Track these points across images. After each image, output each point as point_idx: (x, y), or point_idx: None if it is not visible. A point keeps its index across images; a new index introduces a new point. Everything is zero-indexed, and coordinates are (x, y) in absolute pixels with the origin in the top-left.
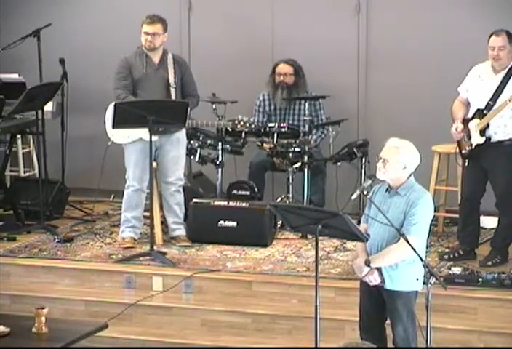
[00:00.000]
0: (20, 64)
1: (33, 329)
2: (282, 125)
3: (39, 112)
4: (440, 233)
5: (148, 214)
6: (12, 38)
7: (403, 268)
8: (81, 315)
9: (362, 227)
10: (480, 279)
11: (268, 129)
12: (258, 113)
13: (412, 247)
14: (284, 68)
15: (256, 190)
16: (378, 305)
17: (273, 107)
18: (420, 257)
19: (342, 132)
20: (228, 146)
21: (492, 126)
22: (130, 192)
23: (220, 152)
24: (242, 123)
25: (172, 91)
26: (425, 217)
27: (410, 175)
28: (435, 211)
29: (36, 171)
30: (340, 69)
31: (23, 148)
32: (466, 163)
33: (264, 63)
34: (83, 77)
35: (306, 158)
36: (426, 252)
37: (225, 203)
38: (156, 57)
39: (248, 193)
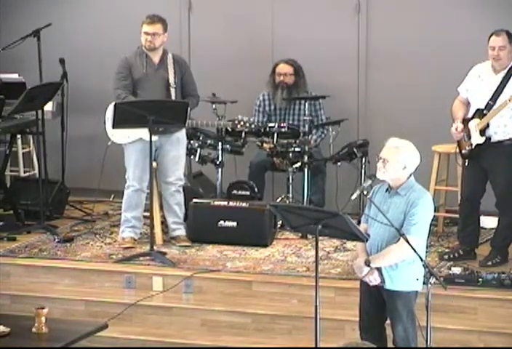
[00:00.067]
0: (20, 64)
1: (33, 329)
2: (282, 125)
3: (39, 112)
4: (440, 233)
5: (148, 214)
6: (12, 38)
7: (403, 268)
8: (81, 315)
9: (362, 227)
10: (480, 279)
11: (267, 129)
12: (258, 113)
13: (412, 247)
14: (284, 68)
15: (256, 190)
16: (378, 305)
17: (273, 107)
18: (420, 257)
19: (342, 132)
20: (228, 146)
21: (492, 126)
22: (130, 192)
23: (220, 152)
24: (242, 123)
25: (172, 91)
26: (425, 217)
27: (410, 175)
28: (435, 211)
29: (36, 171)
30: (340, 69)
31: (23, 148)
32: (466, 163)
33: (264, 63)
34: (83, 77)
35: (306, 158)
36: (426, 252)
37: (225, 203)
38: (156, 57)
39: (248, 193)
